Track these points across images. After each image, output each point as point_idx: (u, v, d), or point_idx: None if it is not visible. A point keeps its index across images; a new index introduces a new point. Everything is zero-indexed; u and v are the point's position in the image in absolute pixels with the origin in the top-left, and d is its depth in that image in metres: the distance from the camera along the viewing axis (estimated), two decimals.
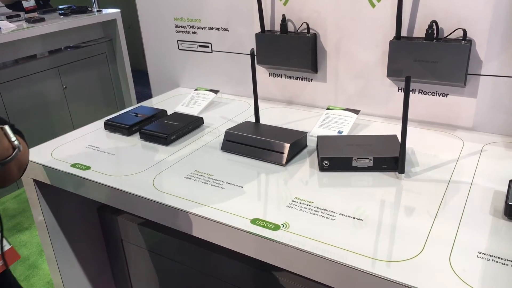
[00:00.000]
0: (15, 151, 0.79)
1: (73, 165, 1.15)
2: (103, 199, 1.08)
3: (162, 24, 1.70)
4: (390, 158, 1.01)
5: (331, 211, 0.89)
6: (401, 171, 1.00)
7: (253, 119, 1.30)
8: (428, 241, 0.79)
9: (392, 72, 1.24)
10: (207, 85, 1.66)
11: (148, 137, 1.28)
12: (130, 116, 1.40)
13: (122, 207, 1.06)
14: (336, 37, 1.33)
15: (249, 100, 1.58)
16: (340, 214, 0.88)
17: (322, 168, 1.05)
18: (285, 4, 1.38)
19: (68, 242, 1.38)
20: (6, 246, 0.93)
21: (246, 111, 1.49)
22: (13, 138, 0.79)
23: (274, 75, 1.51)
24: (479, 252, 0.75)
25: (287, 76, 1.49)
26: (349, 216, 0.87)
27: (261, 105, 1.26)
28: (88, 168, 1.12)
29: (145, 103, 1.62)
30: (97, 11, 3.45)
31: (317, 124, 1.29)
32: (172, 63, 1.76)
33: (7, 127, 0.79)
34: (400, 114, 0.96)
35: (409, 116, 0.96)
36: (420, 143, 1.16)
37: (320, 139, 1.14)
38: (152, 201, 0.98)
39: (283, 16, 1.37)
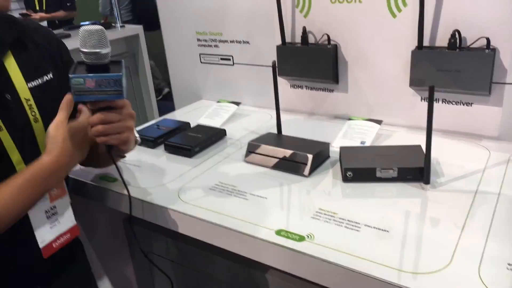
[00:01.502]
0: (136, 143, 1.03)
1: (102, 178, 1.18)
2: (132, 211, 1.10)
3: (185, 39, 1.74)
4: (415, 168, 1.01)
5: (356, 222, 0.89)
6: (427, 181, 0.99)
7: (275, 131, 1.31)
8: (456, 253, 0.78)
9: (414, 82, 1.24)
10: (229, 97, 1.68)
11: (172, 149, 1.30)
12: (154, 129, 1.44)
13: (148, 218, 1.08)
14: (357, 48, 1.34)
15: (270, 111, 1.59)
16: (365, 225, 0.88)
17: (345, 179, 1.05)
18: (305, 16, 1.40)
19: (95, 253, 1.41)
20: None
21: (267, 122, 1.50)
22: (136, 134, 1.01)
23: (295, 86, 1.52)
24: (509, 264, 0.74)
25: (308, 87, 1.50)
26: (374, 227, 0.87)
27: (282, 116, 1.27)
28: (115, 180, 1.15)
29: (169, 116, 1.66)
30: (121, 26, 3.55)
31: (339, 134, 1.29)
32: (194, 76, 1.80)
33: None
34: (424, 124, 0.96)
35: (433, 125, 0.95)
36: (445, 153, 1.15)
37: (343, 149, 1.14)
38: (178, 212, 1.00)
39: (304, 28, 1.39)
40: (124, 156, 1.01)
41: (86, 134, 0.89)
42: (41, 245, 0.93)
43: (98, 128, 0.87)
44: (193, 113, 1.67)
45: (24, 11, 4.22)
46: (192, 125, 1.48)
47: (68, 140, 0.87)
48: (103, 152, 0.96)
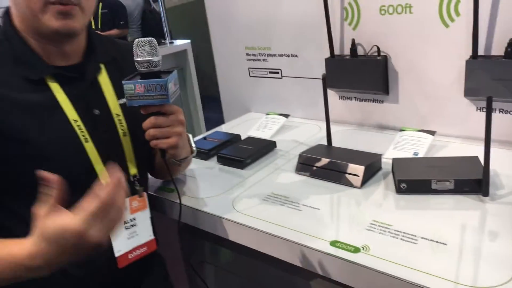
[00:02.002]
0: (192, 154, 1.08)
1: (161, 188, 1.24)
2: (188, 220, 1.15)
3: (234, 54, 1.80)
4: (472, 180, 0.99)
5: (413, 235, 0.88)
6: (485, 193, 0.97)
7: (324, 142, 1.32)
8: None
9: (469, 92, 1.21)
10: (278, 109, 1.71)
11: (225, 160, 1.35)
12: (207, 141, 1.49)
13: (204, 227, 1.12)
14: (408, 59, 1.33)
15: (319, 123, 1.60)
16: (422, 237, 0.87)
17: (399, 191, 1.05)
18: (354, 28, 1.41)
19: None
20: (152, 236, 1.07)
21: (316, 134, 1.52)
22: (193, 144, 1.07)
23: (344, 98, 1.53)
24: None
25: (357, 99, 1.50)
26: (431, 240, 0.86)
27: (332, 127, 1.28)
28: (173, 190, 1.20)
29: (220, 128, 1.71)
30: (170, 42, 3.70)
31: (391, 146, 1.29)
32: (243, 90, 1.85)
33: (190, 135, 1.08)
34: (480, 134, 0.94)
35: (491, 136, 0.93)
36: (503, 164, 1.12)
37: (396, 161, 1.13)
38: (233, 222, 1.03)
39: (353, 40, 1.40)
40: (179, 164, 1.06)
41: (80, 240, 0.70)
42: (116, 254, 0.98)
43: (150, 132, 0.94)
44: (243, 126, 1.72)
45: None
46: (242, 137, 1.52)
47: (51, 243, 0.71)
48: (160, 161, 1.02)
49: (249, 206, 1.08)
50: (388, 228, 0.91)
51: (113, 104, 0.98)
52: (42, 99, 0.89)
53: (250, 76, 1.80)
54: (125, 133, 1.00)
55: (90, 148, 0.93)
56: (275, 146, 1.43)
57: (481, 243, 0.84)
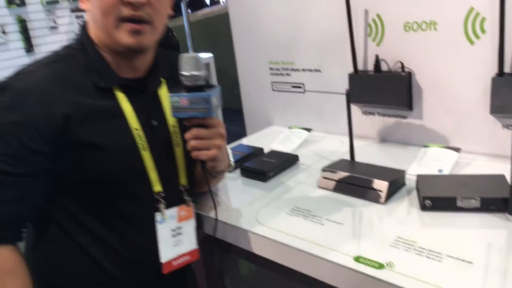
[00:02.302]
0: (229, 168, 1.12)
1: None
2: (210, 231, 1.17)
3: (258, 68, 1.83)
4: (499, 198, 0.98)
5: (438, 252, 0.87)
6: None
7: (347, 157, 1.33)
8: None
9: (496, 109, 1.20)
10: (300, 123, 1.72)
11: (248, 173, 1.36)
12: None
13: (228, 239, 1.14)
14: (432, 75, 1.33)
15: (341, 137, 1.61)
16: (447, 255, 0.86)
17: (423, 208, 1.04)
18: (378, 44, 1.42)
19: None
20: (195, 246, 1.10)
21: (339, 148, 1.52)
22: (231, 158, 1.11)
23: (367, 113, 1.53)
24: None
25: (380, 114, 1.50)
26: (457, 258, 0.85)
27: (354, 142, 1.28)
28: (196, 202, 1.22)
29: (243, 141, 1.73)
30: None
31: (415, 162, 1.28)
32: (266, 103, 1.87)
33: (230, 150, 1.12)
34: (506, 152, 0.94)
35: None
36: None
37: (421, 177, 1.13)
38: (257, 235, 1.04)
39: (377, 56, 1.41)
40: (215, 176, 1.08)
41: None
42: (162, 260, 1.01)
43: (191, 143, 0.97)
44: (265, 139, 1.73)
45: None
46: (265, 151, 1.53)
47: None
48: (199, 173, 1.07)
49: (272, 219, 1.10)
50: (413, 245, 0.91)
51: (170, 116, 1.02)
52: (109, 106, 0.95)
53: (273, 90, 1.82)
54: (178, 144, 1.05)
55: (146, 156, 0.98)
56: (298, 160, 1.44)
57: (507, 263, 0.83)
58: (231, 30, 1.88)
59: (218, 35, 4.52)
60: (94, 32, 0.96)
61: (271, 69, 1.78)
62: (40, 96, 0.87)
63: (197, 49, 4.06)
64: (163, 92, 1.04)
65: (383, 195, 1.11)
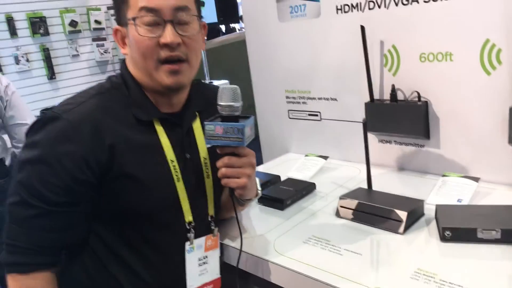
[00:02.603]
0: (256, 197, 1.13)
1: None
2: (229, 259, 1.17)
3: (274, 96, 1.86)
4: None
5: (459, 286, 0.86)
6: None
7: (363, 185, 1.33)
8: None
9: None
10: (316, 151, 1.73)
11: (265, 201, 1.37)
12: None
13: (245, 268, 1.14)
14: (449, 105, 1.34)
15: (358, 165, 1.61)
16: None
17: (443, 239, 1.03)
18: (394, 74, 1.44)
19: None
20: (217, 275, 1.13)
21: (356, 176, 1.52)
22: (259, 187, 1.13)
23: (384, 141, 1.54)
24: None
25: (397, 142, 1.51)
26: None
27: (371, 171, 1.29)
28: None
29: (259, 168, 1.75)
30: (209, 83, 3.85)
31: (433, 191, 1.28)
32: (282, 131, 1.89)
33: (258, 179, 1.14)
34: None
35: None
36: None
37: (440, 208, 1.12)
38: (275, 264, 1.04)
39: (393, 86, 1.42)
40: (242, 204, 1.10)
41: None
42: None
43: (222, 170, 1.00)
44: (282, 166, 1.75)
45: None
46: (282, 178, 1.54)
47: None
48: (225, 200, 1.11)
49: (290, 248, 1.10)
50: (433, 278, 0.90)
51: (202, 148, 1.06)
52: (149, 139, 0.99)
53: (289, 118, 1.84)
54: (208, 175, 1.08)
55: (180, 187, 1.02)
56: (315, 188, 1.45)
57: None
58: (248, 58, 1.92)
59: (233, 62, 4.62)
60: (134, 72, 1.01)
61: (287, 97, 1.81)
62: (91, 127, 0.91)
63: (213, 76, 4.14)
64: (197, 125, 1.08)
65: (402, 225, 1.10)
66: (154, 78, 0.97)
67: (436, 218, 1.13)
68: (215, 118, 0.99)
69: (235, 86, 0.98)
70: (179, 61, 0.96)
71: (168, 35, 0.93)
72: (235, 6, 5.69)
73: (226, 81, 3.88)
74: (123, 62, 1.06)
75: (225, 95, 0.96)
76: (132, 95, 1.00)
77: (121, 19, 0.99)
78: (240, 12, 5.05)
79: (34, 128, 0.92)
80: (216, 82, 3.92)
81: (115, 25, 1.02)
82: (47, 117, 0.91)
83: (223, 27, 7.09)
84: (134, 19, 0.93)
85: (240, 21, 6.60)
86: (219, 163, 0.99)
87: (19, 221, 0.90)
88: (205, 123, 0.97)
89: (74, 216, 0.93)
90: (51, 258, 0.93)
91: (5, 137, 2.26)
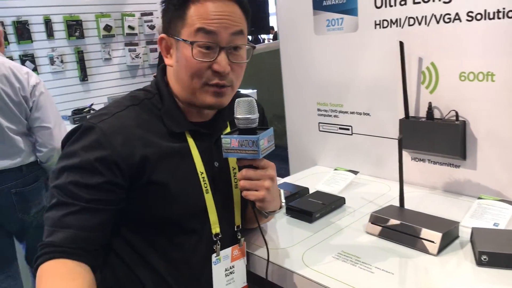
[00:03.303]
0: (280, 209, 1.11)
1: None
2: (256, 270, 1.16)
3: (306, 108, 1.85)
4: None
5: None
6: None
7: (394, 202, 1.30)
8: None
9: None
10: (345, 165, 1.72)
11: (293, 213, 1.36)
12: None
13: (272, 279, 1.12)
14: (489, 126, 1.31)
15: (388, 182, 1.59)
16: None
17: (479, 263, 1.00)
18: (431, 92, 1.42)
19: None
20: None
21: (386, 193, 1.50)
22: (283, 199, 1.10)
23: (417, 159, 1.51)
24: None
25: (431, 161, 1.48)
26: None
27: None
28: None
29: (287, 179, 1.74)
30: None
31: (468, 214, 1.24)
32: (311, 143, 1.88)
33: (282, 191, 1.13)
34: None
35: None
36: None
37: (476, 231, 1.09)
38: (305, 278, 1.03)
39: (430, 104, 1.40)
40: (265, 216, 1.09)
41: None
42: None
43: (241, 183, 1.00)
44: (309, 179, 1.73)
45: None
46: (310, 191, 1.53)
47: None
48: (249, 211, 1.10)
49: (319, 262, 1.08)
50: None
51: (232, 158, 1.06)
52: (179, 150, 1.00)
53: (319, 130, 1.83)
54: (237, 185, 1.08)
55: (209, 199, 1.03)
56: (344, 203, 1.43)
57: None
58: (281, 69, 1.93)
59: (261, 71, 4.64)
60: (172, 84, 1.04)
61: (319, 110, 1.81)
62: (122, 138, 0.93)
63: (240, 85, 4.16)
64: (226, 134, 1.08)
65: (436, 246, 1.07)
66: (197, 97, 0.99)
67: (471, 241, 1.10)
68: (233, 131, 1.00)
69: (251, 98, 0.98)
70: (224, 86, 0.98)
71: (222, 63, 0.95)
72: (266, 18, 5.73)
73: (254, 91, 3.89)
74: (161, 69, 1.07)
75: (241, 108, 0.96)
76: (165, 106, 1.02)
77: (170, 30, 0.99)
78: (271, 24, 5.09)
79: (71, 139, 0.95)
80: (243, 91, 3.94)
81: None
82: (83, 127, 0.94)
83: (249, 38, 7.15)
84: (192, 43, 0.94)
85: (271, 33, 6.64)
86: (238, 175, 1.00)
87: (52, 221, 0.90)
88: (222, 136, 0.98)
89: (104, 217, 0.93)
90: (80, 254, 0.90)
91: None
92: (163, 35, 1.02)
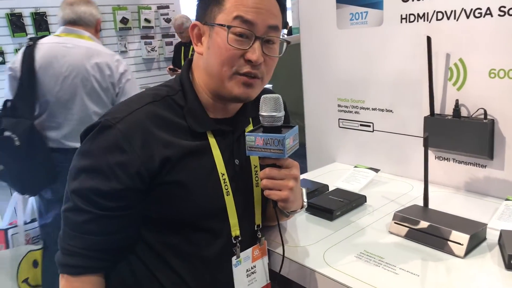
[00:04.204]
0: (302, 209, 1.08)
1: None
2: (276, 267, 1.14)
3: (326, 103, 1.82)
4: None
5: None
6: None
7: (417, 202, 1.27)
8: None
9: None
10: (365, 162, 1.68)
11: (314, 210, 1.33)
12: None
13: (293, 277, 1.10)
14: None
15: (409, 180, 1.55)
16: None
17: (509, 267, 0.96)
18: (459, 89, 1.37)
19: None
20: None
21: (408, 193, 1.46)
22: (305, 199, 1.09)
23: (441, 158, 1.47)
24: None
25: (456, 161, 1.44)
26: None
27: None
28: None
29: (305, 176, 1.71)
30: None
31: (495, 215, 1.20)
32: (331, 139, 1.85)
33: (304, 190, 1.10)
34: None
35: None
36: None
37: (505, 233, 1.05)
38: (326, 277, 1.00)
39: (457, 101, 1.36)
40: (287, 215, 1.07)
41: None
42: None
43: (263, 182, 0.97)
44: (328, 175, 1.70)
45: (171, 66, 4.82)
46: (329, 188, 1.50)
47: None
48: (270, 210, 1.06)
49: (341, 262, 1.06)
50: None
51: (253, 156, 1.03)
52: (200, 148, 0.97)
53: (339, 126, 1.80)
54: (258, 184, 1.06)
55: (229, 201, 1.00)
56: (365, 201, 1.40)
57: None
58: (301, 63, 1.89)
59: (276, 66, 4.61)
60: (200, 75, 1.01)
61: (339, 105, 1.77)
62: (141, 138, 0.91)
63: None
64: (248, 131, 1.05)
65: (463, 248, 1.04)
66: (225, 86, 0.96)
67: (499, 244, 1.06)
68: (257, 129, 0.97)
69: (277, 95, 0.95)
70: (255, 77, 0.95)
71: (256, 52, 0.92)
72: (284, 13, 5.65)
73: (269, 85, 3.86)
74: (187, 65, 1.04)
75: (267, 105, 0.93)
76: (189, 104, 0.98)
77: (205, 18, 0.97)
78: (289, 18, 5.03)
79: (88, 137, 0.93)
80: None
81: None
82: (100, 125, 0.92)
83: None
84: (228, 27, 0.92)
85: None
86: (261, 174, 0.97)
87: (73, 225, 0.91)
88: (246, 134, 0.95)
89: (124, 221, 0.93)
90: (100, 263, 0.93)
91: None
92: (196, 22, 0.99)
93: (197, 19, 1.00)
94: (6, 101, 2.00)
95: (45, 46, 2.05)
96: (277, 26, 0.96)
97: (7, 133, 1.89)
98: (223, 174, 0.99)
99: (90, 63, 2.05)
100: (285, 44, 1.00)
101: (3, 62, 3.64)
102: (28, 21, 3.78)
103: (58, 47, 2.05)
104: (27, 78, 1.99)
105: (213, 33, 0.95)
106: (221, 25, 0.92)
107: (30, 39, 2.13)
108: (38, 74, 2.01)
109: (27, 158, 1.94)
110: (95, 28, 2.21)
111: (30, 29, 3.81)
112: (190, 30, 1.01)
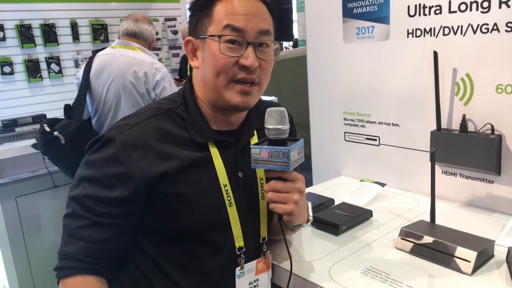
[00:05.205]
0: (307, 223, 1.07)
1: None
2: (281, 282, 1.13)
3: (331, 117, 1.82)
4: None
5: None
6: None
7: (423, 217, 1.26)
8: None
9: None
10: (371, 176, 1.67)
11: (319, 224, 1.32)
12: None
13: None
14: None
15: (416, 195, 1.54)
16: None
17: None
18: (466, 104, 1.37)
19: None
20: None
21: (415, 208, 1.45)
22: (310, 213, 1.07)
23: (448, 173, 1.46)
24: None
25: (462, 176, 1.42)
26: None
27: None
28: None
29: (310, 190, 1.70)
30: None
31: (503, 232, 1.19)
32: (336, 153, 1.84)
33: (310, 204, 1.09)
34: None
35: None
36: None
37: None
38: None
39: (464, 116, 1.35)
40: (292, 229, 1.06)
41: None
42: None
43: (268, 195, 0.96)
44: (334, 189, 1.69)
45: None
46: (335, 202, 1.49)
47: None
48: (275, 223, 1.06)
49: (347, 277, 1.04)
50: None
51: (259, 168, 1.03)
52: (202, 159, 0.98)
53: (345, 140, 1.79)
54: (264, 197, 1.05)
55: (232, 212, 1.00)
56: (371, 216, 1.39)
57: None
58: (308, 76, 1.89)
59: (281, 79, 4.63)
60: (199, 88, 1.02)
61: (345, 119, 1.77)
62: (141, 151, 0.92)
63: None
64: (253, 142, 1.05)
65: (470, 265, 1.02)
66: (223, 96, 0.96)
67: (507, 261, 1.05)
68: (262, 142, 0.97)
69: (283, 108, 0.96)
70: (251, 83, 0.96)
71: (250, 58, 0.93)
72: (290, 25, 5.71)
73: (274, 98, 3.87)
74: (189, 78, 1.06)
75: (272, 118, 0.94)
76: (191, 116, 0.99)
77: (197, 32, 0.98)
78: (295, 31, 5.07)
79: (93, 148, 0.95)
80: (264, 98, 3.92)
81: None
82: (104, 138, 0.94)
83: None
84: (219, 36, 0.92)
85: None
86: (266, 187, 0.96)
87: (69, 231, 0.92)
88: (251, 146, 0.95)
89: (119, 230, 0.93)
90: (95, 266, 0.93)
91: None
92: (189, 37, 1.00)
93: (190, 34, 1.01)
94: (65, 105, 2.34)
95: (100, 58, 2.36)
96: (268, 30, 0.96)
97: (55, 133, 2.20)
98: (226, 185, 0.99)
99: (130, 70, 2.29)
100: (279, 48, 1.01)
101: (12, 73, 3.68)
102: (37, 32, 3.82)
103: (109, 57, 2.35)
104: (83, 86, 2.33)
105: (206, 45, 0.96)
106: (213, 36, 0.94)
107: (92, 51, 2.48)
108: (91, 82, 2.33)
109: (73, 153, 2.15)
110: (149, 44, 2.51)
111: (39, 40, 3.85)
112: (184, 46, 1.03)
